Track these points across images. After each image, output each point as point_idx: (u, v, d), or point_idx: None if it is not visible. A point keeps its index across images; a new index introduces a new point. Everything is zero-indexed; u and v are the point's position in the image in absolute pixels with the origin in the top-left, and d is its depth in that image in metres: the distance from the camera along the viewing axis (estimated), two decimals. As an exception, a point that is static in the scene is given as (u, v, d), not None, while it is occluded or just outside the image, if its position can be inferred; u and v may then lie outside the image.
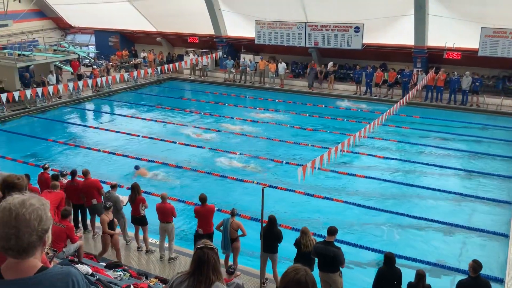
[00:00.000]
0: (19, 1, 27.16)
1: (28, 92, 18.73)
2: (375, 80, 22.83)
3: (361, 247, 9.92)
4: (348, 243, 9.85)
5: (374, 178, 13.49)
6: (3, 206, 1.94)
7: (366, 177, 13.55)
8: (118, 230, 9.39)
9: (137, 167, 13.91)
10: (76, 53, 26.05)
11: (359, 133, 13.58)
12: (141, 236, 9.71)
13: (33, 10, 28.74)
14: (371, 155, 15.40)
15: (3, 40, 24.96)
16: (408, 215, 11.32)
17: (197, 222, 8.99)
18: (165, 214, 9.10)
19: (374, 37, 22.78)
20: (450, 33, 20.90)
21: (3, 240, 1.91)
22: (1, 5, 18.36)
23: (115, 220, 9.25)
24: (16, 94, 18.14)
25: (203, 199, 8.85)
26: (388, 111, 15.84)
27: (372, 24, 22.23)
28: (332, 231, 7.62)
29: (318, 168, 11.20)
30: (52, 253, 5.74)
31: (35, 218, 1.93)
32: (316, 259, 7.71)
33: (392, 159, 15.27)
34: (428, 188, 12.83)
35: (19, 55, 22.36)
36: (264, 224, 8.12)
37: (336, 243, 7.69)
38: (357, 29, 22.79)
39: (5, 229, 1.90)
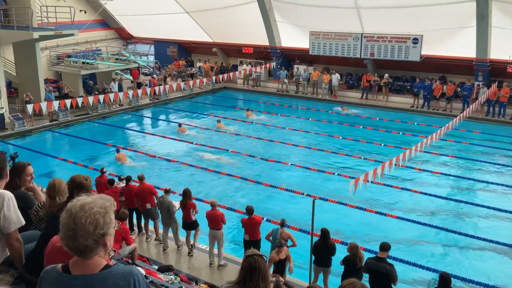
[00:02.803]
0: (85, 12, 28.69)
1: (91, 99, 19.68)
2: (433, 93, 22.13)
3: (414, 265, 9.56)
4: (401, 260, 9.53)
5: (430, 194, 13.01)
6: (66, 208, 2.06)
7: (421, 193, 13.10)
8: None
9: (117, 150, 15.98)
10: (136, 62, 27.14)
11: (415, 147, 13.17)
12: (192, 241, 9.88)
13: (97, 20, 30.23)
14: (427, 170, 14.88)
15: (69, 48, 26.44)
16: (465, 234, 10.81)
17: (244, 230, 9.08)
18: (215, 221, 9.23)
19: (433, 48, 22.11)
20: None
21: (64, 240, 2.03)
22: (68, 15, 19.45)
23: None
24: (80, 100, 19.12)
25: (250, 210, 8.91)
26: (446, 125, 15.28)
27: (431, 36, 21.62)
28: (385, 247, 7.43)
29: (371, 182, 10.96)
30: (113, 253, 5.97)
31: (91, 222, 2.01)
32: (367, 275, 7.52)
33: (449, 175, 14.68)
34: (487, 207, 12.19)
35: (83, 63, 23.59)
36: (311, 236, 8.04)
37: (388, 260, 7.48)
38: (416, 41, 22.23)
39: (65, 231, 2.02)
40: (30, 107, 17.55)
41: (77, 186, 3.68)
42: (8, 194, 3.64)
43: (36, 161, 4.72)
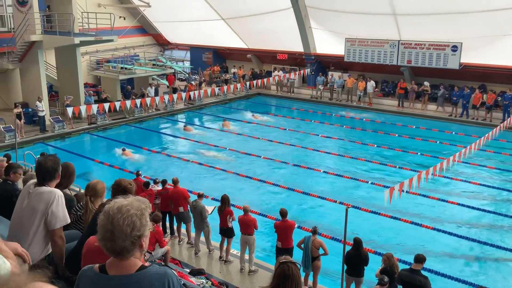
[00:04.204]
0: (124, 18, 29.47)
1: (128, 103, 20.15)
2: (473, 102, 21.50)
3: (449, 277, 9.27)
4: (436, 273, 9.27)
5: (467, 206, 12.61)
6: (104, 210, 2.10)
7: (459, 204, 12.71)
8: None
9: (123, 149, 16.93)
10: (173, 68, 27.61)
11: (453, 157, 12.80)
12: (225, 247, 9.91)
13: (136, 26, 30.98)
14: (465, 181, 14.44)
15: (108, 54, 27.20)
16: (503, 248, 10.42)
17: (277, 236, 9.03)
18: (247, 226, 9.23)
19: (472, 56, 21.50)
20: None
21: (102, 241, 2.08)
22: (108, 21, 20.05)
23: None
24: (117, 104, 19.60)
25: (283, 213, 8.87)
26: (486, 135, 14.80)
27: (470, 43, 21.03)
28: (420, 259, 7.24)
29: (407, 192, 10.73)
30: (148, 255, 6.07)
31: (128, 224, 2.05)
32: (400, 287, 7.34)
33: (488, 186, 14.19)
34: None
35: (121, 68, 24.20)
36: (343, 245, 7.92)
37: (422, 272, 7.29)
38: (455, 48, 21.69)
39: (104, 232, 2.06)
40: (70, 110, 18.12)
41: (122, 190, 3.77)
42: (59, 192, 3.79)
43: (74, 163, 4.85)
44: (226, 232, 9.74)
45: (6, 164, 6.48)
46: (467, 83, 22.44)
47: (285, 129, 20.73)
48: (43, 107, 19.15)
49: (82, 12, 22.04)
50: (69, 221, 3.89)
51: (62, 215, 3.74)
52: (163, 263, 8.13)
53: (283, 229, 8.86)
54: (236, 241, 9.80)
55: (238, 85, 24.86)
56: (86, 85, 24.58)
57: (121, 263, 2.11)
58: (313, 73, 26.64)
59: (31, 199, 3.75)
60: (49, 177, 3.87)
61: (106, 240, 2.05)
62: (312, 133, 20.01)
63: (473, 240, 10.83)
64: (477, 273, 9.74)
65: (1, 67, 21.13)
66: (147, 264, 2.21)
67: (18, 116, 17.69)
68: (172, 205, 10.49)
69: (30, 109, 20.03)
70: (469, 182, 14.36)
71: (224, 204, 9.63)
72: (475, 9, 19.72)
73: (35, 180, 3.95)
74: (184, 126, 20.54)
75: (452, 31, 21.19)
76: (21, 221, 3.72)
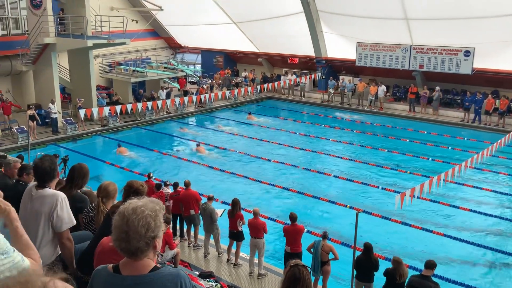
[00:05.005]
0: (136, 22, 29.72)
1: (140, 105, 20.28)
2: (485, 108, 21.30)
3: (460, 284, 9.18)
4: (447, 279, 9.18)
5: (479, 213, 12.48)
6: (119, 211, 2.12)
7: (470, 210, 12.58)
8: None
9: (119, 145, 17.58)
10: (184, 71, 27.74)
11: (465, 163, 12.69)
12: (233, 250, 9.92)
13: (148, 30, 31.21)
14: (477, 187, 14.29)
15: (120, 57, 27.43)
16: (516, 256, 10.30)
17: (286, 240, 9.02)
18: (257, 230, 9.21)
19: (485, 61, 21.31)
20: None
21: (117, 241, 2.09)
22: (121, 25, 20.24)
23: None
24: (129, 107, 19.74)
25: (293, 218, 8.84)
26: (499, 141, 14.65)
27: (483, 48, 20.85)
28: (430, 265, 7.18)
29: (418, 197, 10.65)
30: (160, 258, 6.10)
31: (143, 225, 2.06)
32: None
33: (501, 193, 14.03)
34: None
35: (133, 71, 24.38)
36: (353, 250, 7.88)
37: (433, 278, 7.23)
38: (467, 53, 21.53)
39: (118, 232, 2.08)
40: (82, 112, 18.28)
41: (134, 192, 3.80)
42: (61, 195, 3.80)
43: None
44: (236, 236, 9.73)
45: (20, 165, 6.55)
46: (480, 89, 22.24)
47: (296, 133, 20.71)
48: (56, 109, 19.35)
49: (95, 15, 22.27)
50: (75, 222, 3.91)
51: (67, 217, 3.76)
52: (172, 265, 8.15)
53: (292, 233, 8.83)
54: (244, 243, 9.80)
55: (249, 89, 24.90)
56: (98, 87, 24.80)
57: (135, 264, 2.12)
58: (324, 77, 26.61)
59: (34, 202, 3.77)
60: (49, 177, 3.88)
61: (121, 240, 2.06)
62: (323, 137, 19.96)
63: (485, 246, 10.71)
64: (488, 280, 9.63)
65: (15, 69, 21.41)
66: (159, 265, 2.23)
67: (31, 117, 17.89)
68: (183, 207, 10.52)
69: (43, 111, 20.26)
70: (481, 188, 14.21)
71: (235, 208, 9.63)
72: (488, 14, 19.55)
73: (35, 183, 3.98)
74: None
75: (465, 36, 21.03)
76: (26, 224, 3.75)
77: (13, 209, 2.22)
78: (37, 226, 3.68)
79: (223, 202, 12.24)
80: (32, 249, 2.23)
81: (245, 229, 9.60)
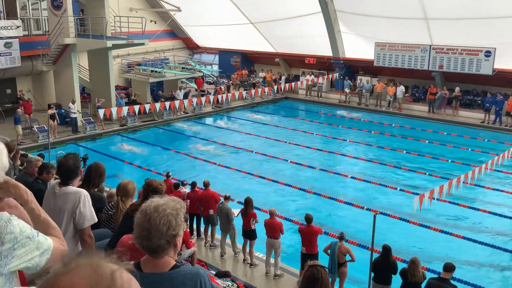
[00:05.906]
0: (155, 23, 29.98)
1: (158, 105, 20.44)
2: (506, 109, 20.92)
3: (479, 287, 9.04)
4: (465, 283, 9.03)
5: (499, 215, 12.25)
6: (141, 209, 2.15)
7: (490, 212, 12.37)
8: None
9: None
10: (201, 71, 27.88)
11: (485, 165, 12.49)
12: (247, 249, 9.93)
13: (166, 30, 31.44)
14: (498, 189, 14.03)
15: (139, 57, 27.70)
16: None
17: (301, 241, 9.00)
18: (273, 230, 9.21)
19: (506, 62, 20.93)
20: None
21: (139, 239, 2.12)
22: (140, 25, 20.45)
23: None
24: (147, 107, 19.92)
25: (308, 219, 8.82)
26: (520, 143, 14.38)
27: (505, 49, 20.48)
28: (449, 267, 7.08)
29: (437, 199, 10.52)
30: (178, 256, 6.14)
31: (164, 223, 2.08)
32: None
33: (522, 196, 13.78)
34: None
35: (151, 71, 24.60)
36: (371, 252, 7.82)
37: (451, 281, 7.13)
38: (488, 53, 21.18)
39: (140, 230, 2.10)
40: (101, 112, 18.51)
41: (153, 190, 3.84)
42: (84, 192, 3.87)
43: (104, 163, 4.97)
44: (249, 234, 9.77)
45: (41, 163, 6.66)
46: (501, 90, 21.85)
47: (312, 133, 20.63)
48: (76, 109, 19.63)
49: (114, 16, 22.54)
50: (96, 220, 3.97)
51: (89, 215, 3.83)
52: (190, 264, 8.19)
53: (307, 234, 8.80)
54: (260, 243, 9.80)
55: (266, 89, 24.88)
56: (117, 87, 25.08)
57: (155, 261, 2.14)
58: (341, 77, 26.46)
59: (57, 199, 3.84)
60: (73, 175, 3.96)
61: (143, 238, 2.09)
62: (340, 138, 19.84)
63: (505, 250, 10.51)
64: (509, 284, 9.45)
65: (36, 69, 21.79)
66: (179, 263, 2.25)
67: (52, 117, 18.18)
68: (201, 207, 10.56)
69: (63, 110, 20.58)
70: (501, 190, 13.95)
71: (248, 206, 9.66)
72: (509, 14, 19.21)
73: (58, 180, 4.04)
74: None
75: (485, 36, 20.69)
76: None
77: (25, 191, 2.20)
78: (60, 222, 3.74)
79: (239, 202, 12.24)
80: (53, 227, 2.24)
81: (260, 228, 9.60)
